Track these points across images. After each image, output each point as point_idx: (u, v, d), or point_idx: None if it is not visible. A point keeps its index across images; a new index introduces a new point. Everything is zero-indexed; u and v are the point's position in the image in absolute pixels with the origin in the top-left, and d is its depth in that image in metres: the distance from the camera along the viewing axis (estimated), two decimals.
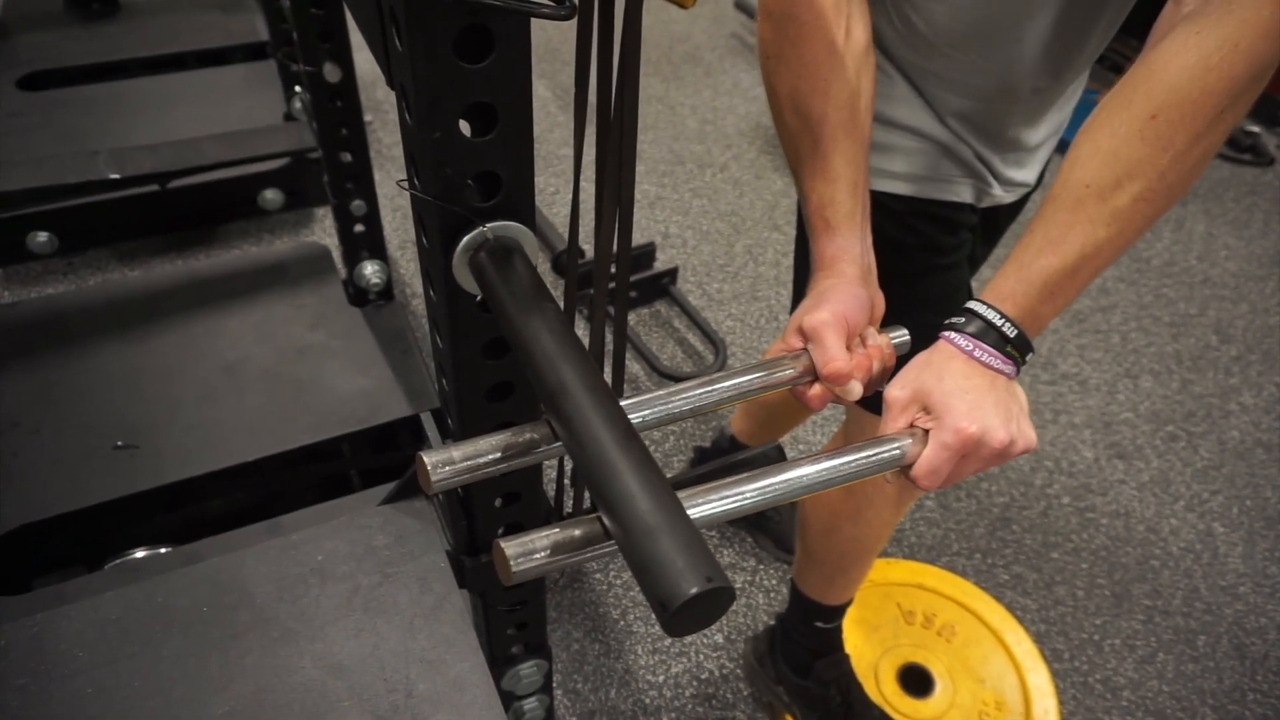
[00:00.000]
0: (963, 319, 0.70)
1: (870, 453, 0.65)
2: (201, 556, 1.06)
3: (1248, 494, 1.82)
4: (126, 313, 1.51)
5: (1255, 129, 2.83)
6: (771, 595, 1.56)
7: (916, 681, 1.43)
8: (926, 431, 0.66)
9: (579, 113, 0.71)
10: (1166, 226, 2.53)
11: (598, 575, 1.54)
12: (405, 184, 0.65)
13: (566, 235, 2.09)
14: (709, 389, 0.70)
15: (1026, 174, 0.99)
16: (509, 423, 0.79)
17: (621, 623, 1.49)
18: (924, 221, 0.95)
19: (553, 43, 3.10)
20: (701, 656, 1.46)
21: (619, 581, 1.54)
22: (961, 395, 0.65)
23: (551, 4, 0.50)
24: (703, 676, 1.44)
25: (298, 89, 2.11)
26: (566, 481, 1.04)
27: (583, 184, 0.77)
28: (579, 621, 1.48)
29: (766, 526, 1.62)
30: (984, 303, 0.69)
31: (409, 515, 0.90)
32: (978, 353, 0.68)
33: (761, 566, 1.60)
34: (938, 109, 0.90)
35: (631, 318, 2.06)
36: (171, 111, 2.12)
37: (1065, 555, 1.68)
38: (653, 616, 1.50)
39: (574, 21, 0.59)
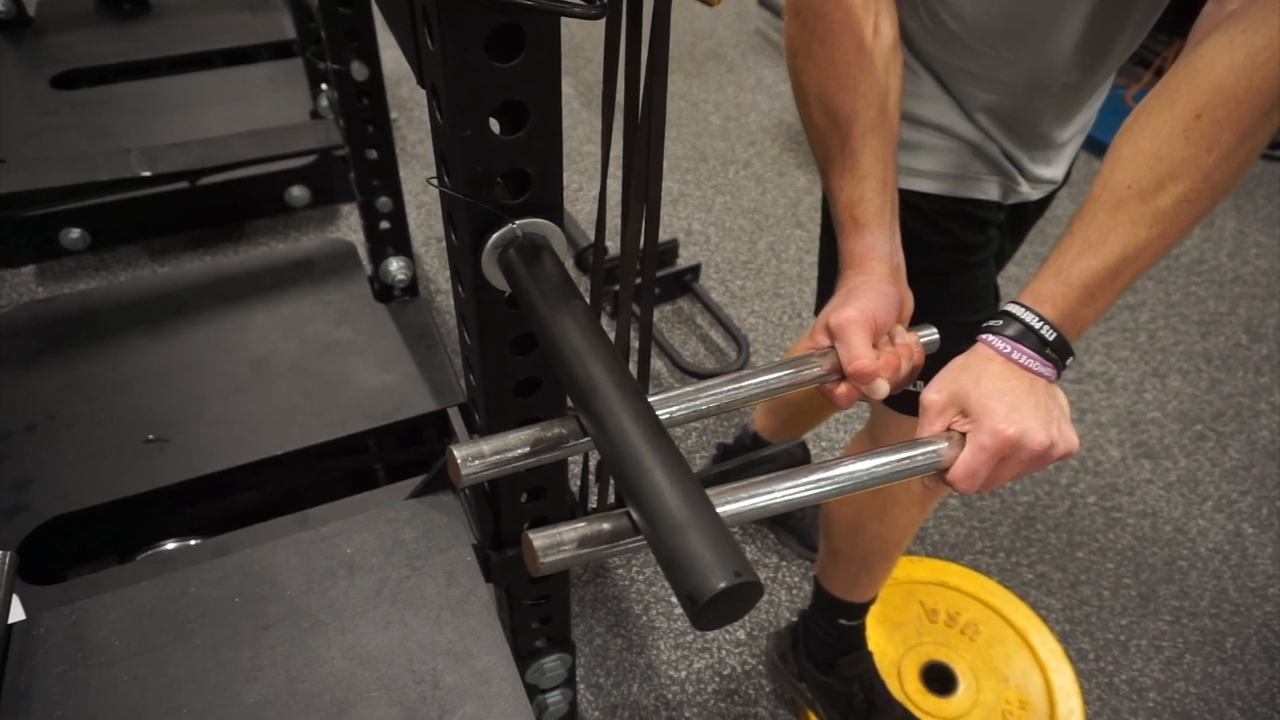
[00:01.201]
0: (1000, 321, 0.69)
1: (906, 455, 0.64)
2: (231, 548, 1.08)
3: (1278, 495, 1.79)
4: (157, 308, 1.53)
5: None
6: (794, 591, 1.56)
7: (939, 680, 1.42)
8: (964, 435, 0.66)
9: (606, 111, 0.72)
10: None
11: (620, 570, 1.55)
12: (435, 181, 0.66)
13: (590, 232, 2.09)
14: (736, 386, 0.70)
15: (1054, 171, 0.99)
16: (536, 417, 0.79)
17: (644, 618, 1.49)
18: (951, 220, 0.94)
19: (576, 39, 3.10)
20: (724, 652, 1.46)
21: (641, 577, 1.55)
22: (999, 397, 0.64)
23: (582, 3, 0.50)
24: (725, 672, 1.44)
25: (324, 87, 2.13)
26: (591, 477, 1.05)
27: (608, 181, 0.77)
28: (602, 616, 1.49)
29: (789, 523, 1.62)
30: (1022, 305, 0.69)
31: (436, 509, 0.91)
32: (1016, 355, 0.67)
33: (784, 563, 1.60)
34: (966, 106, 0.90)
35: (655, 314, 2.07)
36: (200, 109, 2.15)
37: (1091, 555, 1.67)
38: (676, 611, 1.51)
39: (601, 20, 0.60)
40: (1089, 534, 1.70)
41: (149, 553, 1.26)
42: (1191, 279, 2.33)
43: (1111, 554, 1.67)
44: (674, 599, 1.52)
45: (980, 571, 1.59)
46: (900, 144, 0.85)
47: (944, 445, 0.65)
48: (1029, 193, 0.98)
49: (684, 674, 1.43)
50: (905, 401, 0.97)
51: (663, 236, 2.18)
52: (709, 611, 0.43)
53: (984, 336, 0.69)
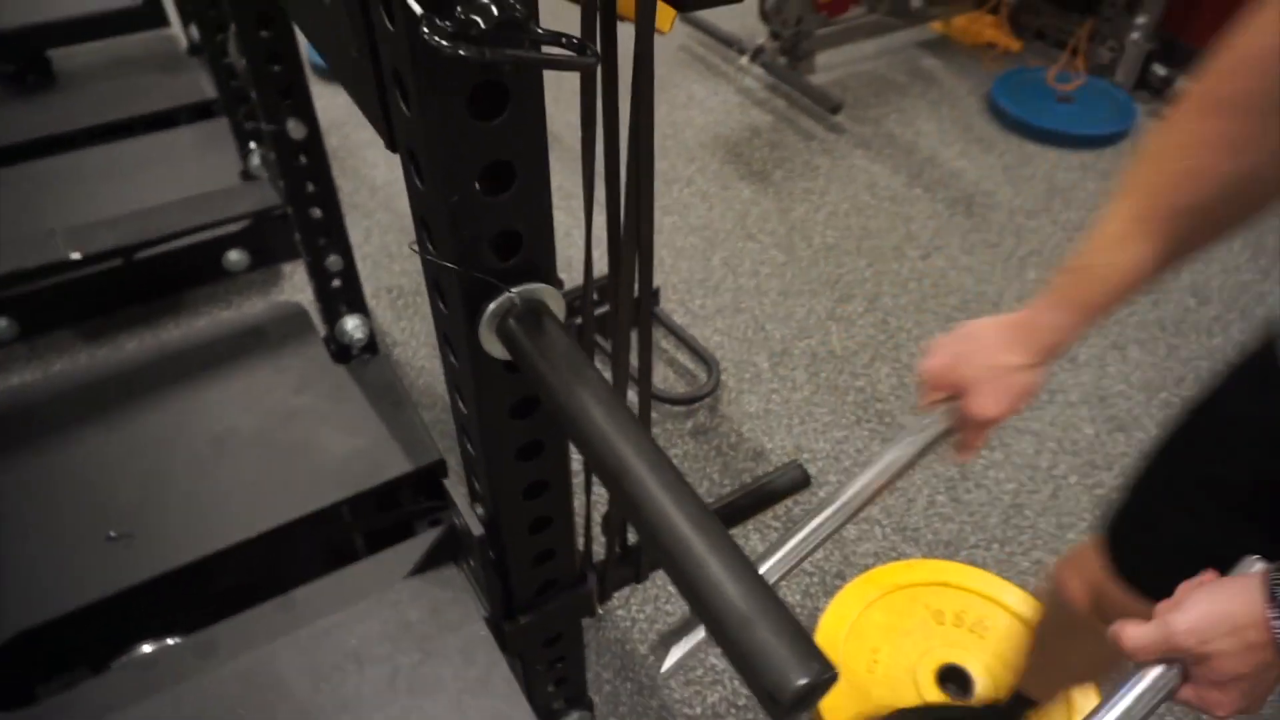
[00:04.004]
0: None
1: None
2: (216, 644, 1.01)
3: None
4: (103, 395, 1.45)
5: None
6: (801, 596, 1.54)
7: (956, 681, 1.41)
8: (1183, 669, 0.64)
9: (587, 155, 0.69)
10: None
11: (620, 611, 1.51)
12: (416, 248, 0.62)
13: (569, 273, 2.04)
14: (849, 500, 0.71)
15: None
16: (542, 481, 0.76)
17: (651, 657, 1.45)
18: None
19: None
20: (736, 683, 1.43)
21: (643, 615, 1.51)
22: (1242, 681, 0.61)
23: (574, 54, 0.47)
24: (740, 703, 1.41)
25: (253, 146, 2.07)
26: (596, 529, 1.01)
27: (578, 216, 0.74)
28: (608, 662, 1.44)
29: None
30: None
31: (440, 585, 0.86)
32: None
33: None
34: None
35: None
36: (124, 180, 2.06)
37: (1081, 535, 1.67)
38: None
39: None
40: (1076, 514, 1.71)
41: (125, 658, 1.19)
42: None
43: None
44: None
45: (977, 565, 1.59)
46: None
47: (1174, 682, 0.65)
48: None
49: (699, 710, 1.40)
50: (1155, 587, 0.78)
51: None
52: (789, 708, 0.40)
53: (1274, 584, 0.60)
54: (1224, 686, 0.61)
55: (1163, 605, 0.66)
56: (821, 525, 0.70)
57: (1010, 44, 3.13)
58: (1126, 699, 0.65)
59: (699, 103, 2.94)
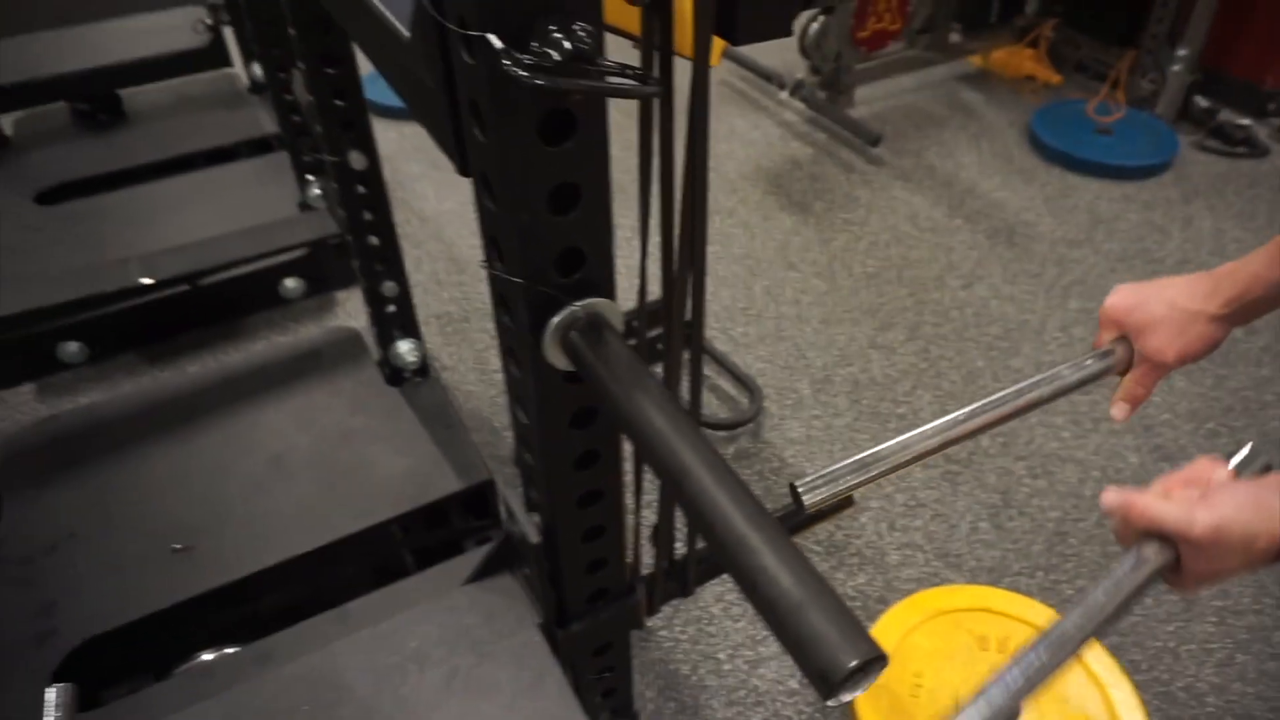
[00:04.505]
0: None
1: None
2: (273, 653, 1.05)
3: None
4: (168, 414, 1.52)
5: (1246, 122, 2.86)
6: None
7: None
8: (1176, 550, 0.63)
9: (643, 178, 0.73)
10: (1174, 226, 2.54)
11: (664, 631, 1.53)
12: (487, 266, 0.66)
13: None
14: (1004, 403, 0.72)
15: None
16: (597, 490, 0.79)
17: (694, 677, 1.47)
18: None
19: None
20: (778, 704, 1.44)
21: (685, 636, 1.53)
22: (1219, 579, 0.61)
23: (636, 83, 0.51)
24: None
25: (310, 178, 2.15)
26: (643, 547, 1.04)
27: (630, 237, 0.78)
28: (650, 681, 1.46)
29: None
30: None
31: (495, 593, 0.90)
32: None
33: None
34: None
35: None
36: (188, 212, 2.15)
37: None
38: (725, 668, 1.48)
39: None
40: None
41: (186, 666, 1.23)
42: None
43: None
44: (721, 656, 1.50)
45: (1021, 593, 1.58)
46: None
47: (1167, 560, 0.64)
48: None
49: None
50: None
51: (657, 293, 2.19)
52: (840, 689, 0.43)
53: None
54: (1209, 580, 0.62)
55: (1175, 484, 0.65)
56: (960, 419, 0.71)
57: (1050, 77, 3.15)
58: (1122, 582, 0.63)
59: (740, 136, 2.99)
